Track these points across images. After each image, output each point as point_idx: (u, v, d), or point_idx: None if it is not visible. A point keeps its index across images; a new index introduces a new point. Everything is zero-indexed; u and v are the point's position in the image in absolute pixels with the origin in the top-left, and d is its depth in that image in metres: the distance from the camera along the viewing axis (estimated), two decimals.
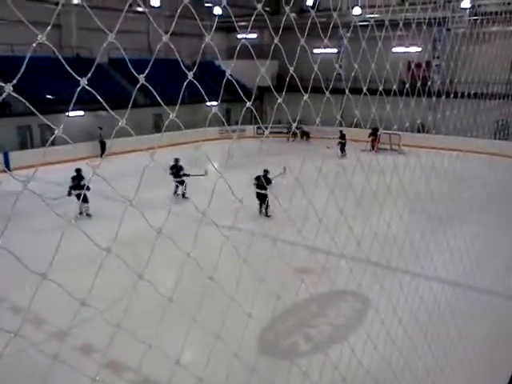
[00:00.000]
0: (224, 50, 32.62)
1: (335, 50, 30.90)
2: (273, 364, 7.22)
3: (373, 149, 26.21)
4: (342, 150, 25.75)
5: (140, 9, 27.43)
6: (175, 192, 17.63)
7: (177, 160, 17.06)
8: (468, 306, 8.52)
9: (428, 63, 26.37)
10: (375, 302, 8.45)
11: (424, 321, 6.05)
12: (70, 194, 14.48)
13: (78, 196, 14.28)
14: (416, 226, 7.57)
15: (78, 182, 14.81)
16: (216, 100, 24.46)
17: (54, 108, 20.97)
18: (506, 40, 21.68)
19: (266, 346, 8.24)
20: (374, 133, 25.75)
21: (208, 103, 25.75)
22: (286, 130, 31.15)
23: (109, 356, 7.38)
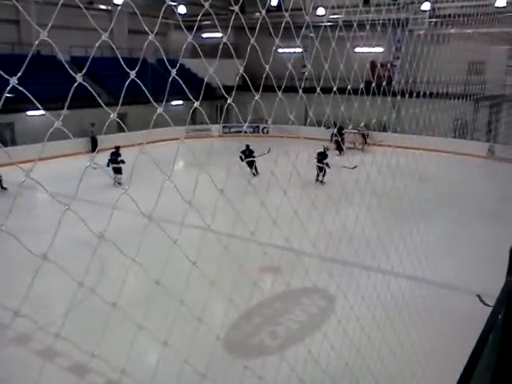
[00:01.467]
0: (188, 49, 32.42)
1: (299, 50, 31.17)
2: (239, 363, 7.23)
3: (340, 151, 26.63)
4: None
5: (103, 6, 26.97)
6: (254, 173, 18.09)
7: (248, 146, 20.21)
8: (426, 300, 8.75)
9: (389, 63, 26.91)
10: (337, 299, 8.62)
11: (382, 317, 6.17)
12: (108, 165, 18.46)
13: (114, 169, 18.52)
14: (380, 223, 7.73)
15: (115, 158, 18.71)
16: (181, 99, 24.32)
17: (14, 107, 20.39)
18: (463, 42, 22.38)
19: (233, 345, 8.25)
20: (339, 132, 26.10)
21: (173, 102, 25.65)
22: (251, 130, 31.24)
23: (77, 359, 7.21)
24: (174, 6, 31.09)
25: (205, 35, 32.02)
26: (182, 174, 20.80)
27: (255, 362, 7.19)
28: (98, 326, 6.85)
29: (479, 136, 28.20)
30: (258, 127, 31.93)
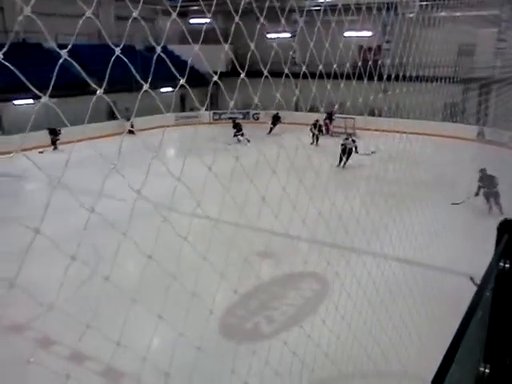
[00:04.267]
0: (177, 35, 32.08)
1: (289, 35, 30.95)
2: (235, 347, 7.29)
3: (327, 132, 26.61)
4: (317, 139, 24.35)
5: None
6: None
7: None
8: (420, 283, 8.85)
9: (379, 47, 26.84)
10: (332, 283, 8.70)
11: (377, 301, 6.24)
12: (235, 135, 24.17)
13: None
14: (374, 207, 7.80)
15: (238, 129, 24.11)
16: (170, 86, 24.13)
17: (4, 96, 20.13)
18: (453, 25, 22.32)
19: (228, 329, 8.31)
20: (330, 117, 26.03)
21: (163, 89, 25.50)
22: (242, 116, 31.09)
23: (72, 347, 7.23)
24: None
25: (192, 21, 31.68)
26: (175, 159, 20.84)
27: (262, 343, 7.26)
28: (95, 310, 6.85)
29: (469, 119, 28.31)
30: (248, 113, 31.81)
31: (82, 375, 6.67)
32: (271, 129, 26.02)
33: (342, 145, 20.00)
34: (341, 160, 19.66)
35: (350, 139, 20.29)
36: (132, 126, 26.47)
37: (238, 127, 24.86)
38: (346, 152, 19.61)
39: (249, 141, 23.31)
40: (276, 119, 25.97)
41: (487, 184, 14.56)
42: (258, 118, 31.13)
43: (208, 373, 5.23)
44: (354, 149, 19.92)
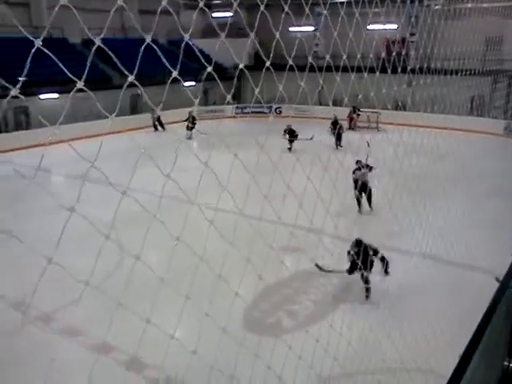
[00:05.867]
0: (200, 29, 32.13)
1: (312, 28, 30.70)
2: (258, 339, 7.29)
3: (351, 127, 26.37)
4: (338, 138, 21.14)
5: None
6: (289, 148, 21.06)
7: (290, 126, 21.36)
8: (445, 280, 8.73)
9: (403, 39, 26.43)
10: (355, 279, 8.65)
11: (402, 295, 6.19)
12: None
13: None
14: (398, 202, 7.71)
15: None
16: (193, 80, 24.19)
17: (28, 90, 20.46)
18: (480, 16, 21.83)
19: (251, 322, 8.33)
20: (354, 111, 25.80)
21: (185, 83, 25.62)
22: (263, 110, 30.93)
23: (98, 337, 7.31)
24: None
25: (215, 14, 31.68)
26: (199, 153, 20.75)
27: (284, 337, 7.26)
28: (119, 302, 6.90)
29: (496, 113, 27.66)
30: (270, 107, 31.69)
31: (109, 357, 6.71)
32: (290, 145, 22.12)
33: (355, 179, 12.69)
34: (359, 203, 12.90)
35: (364, 165, 12.74)
36: (159, 120, 26.72)
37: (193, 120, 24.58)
38: (360, 187, 12.26)
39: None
40: (291, 134, 21.81)
41: None
42: (280, 112, 31.00)
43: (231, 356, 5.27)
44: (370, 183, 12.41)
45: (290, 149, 20.66)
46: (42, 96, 22.78)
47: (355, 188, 12.42)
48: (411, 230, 6.88)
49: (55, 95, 22.88)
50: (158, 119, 26.18)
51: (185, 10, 34.02)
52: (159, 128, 26.54)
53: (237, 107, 31.67)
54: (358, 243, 7.74)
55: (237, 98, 32.02)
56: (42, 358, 6.91)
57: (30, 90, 21.55)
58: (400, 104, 21.92)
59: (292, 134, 21.18)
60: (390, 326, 5.96)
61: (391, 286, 6.35)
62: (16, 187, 14.09)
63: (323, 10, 21.72)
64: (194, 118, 24.45)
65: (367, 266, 7.69)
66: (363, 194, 12.73)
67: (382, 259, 7.89)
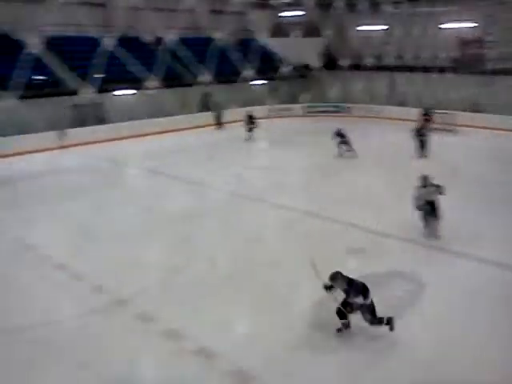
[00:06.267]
0: (269, 28, 32.15)
1: (383, 27, 29.89)
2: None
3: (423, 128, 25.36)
4: (422, 146, 17.87)
5: None
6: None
7: (340, 129, 19.36)
8: None
9: (480, 39, 25.13)
10: (425, 283, 8.32)
11: (472, 303, 5.90)
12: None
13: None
14: (468, 207, 7.37)
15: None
16: (262, 79, 24.24)
17: (106, 87, 21.27)
18: None
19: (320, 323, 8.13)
20: (427, 113, 24.90)
21: (253, 82, 25.58)
22: (332, 109, 30.29)
23: (168, 325, 7.40)
24: None
25: (283, 14, 31.57)
26: (268, 152, 20.75)
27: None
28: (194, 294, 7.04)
29: None
30: (339, 107, 31.15)
31: (180, 351, 6.76)
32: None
33: (418, 205, 9.30)
34: (427, 222, 9.49)
35: (429, 185, 9.18)
36: (219, 118, 26.92)
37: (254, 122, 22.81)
38: (425, 207, 9.31)
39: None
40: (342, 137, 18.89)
41: None
42: (350, 112, 30.29)
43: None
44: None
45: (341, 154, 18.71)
46: (117, 92, 23.64)
47: (417, 208, 9.49)
48: (483, 237, 6.50)
49: (132, 91, 23.48)
50: (219, 117, 26.05)
51: (253, 10, 34.26)
52: (221, 126, 26.54)
53: (307, 106, 31.26)
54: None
55: (306, 96, 31.69)
56: (120, 342, 7.05)
57: (105, 86, 22.46)
58: (478, 106, 20.83)
59: (343, 137, 19.30)
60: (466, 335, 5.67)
61: (464, 295, 6.03)
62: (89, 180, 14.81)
63: (395, 9, 21.08)
64: (251, 118, 22.89)
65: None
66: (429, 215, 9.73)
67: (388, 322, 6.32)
